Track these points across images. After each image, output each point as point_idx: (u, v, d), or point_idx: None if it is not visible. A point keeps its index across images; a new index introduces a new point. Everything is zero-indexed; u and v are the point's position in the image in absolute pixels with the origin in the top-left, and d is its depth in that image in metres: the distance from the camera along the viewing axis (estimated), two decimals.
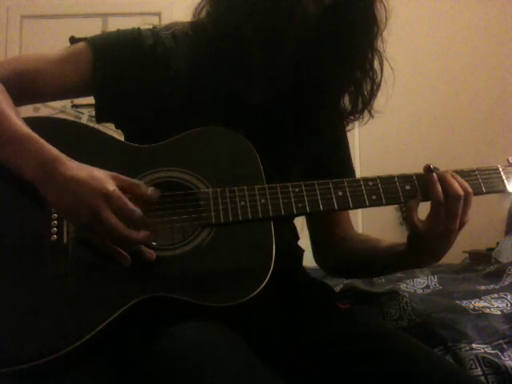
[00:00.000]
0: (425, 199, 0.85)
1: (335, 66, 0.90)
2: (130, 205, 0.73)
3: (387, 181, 0.85)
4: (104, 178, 0.74)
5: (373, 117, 0.99)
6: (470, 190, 0.83)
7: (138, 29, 0.93)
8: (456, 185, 0.83)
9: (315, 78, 0.92)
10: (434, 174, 0.84)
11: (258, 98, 0.91)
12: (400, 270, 1.14)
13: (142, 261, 0.75)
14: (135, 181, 0.78)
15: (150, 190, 0.77)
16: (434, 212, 0.83)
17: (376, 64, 0.94)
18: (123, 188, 0.74)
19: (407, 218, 0.86)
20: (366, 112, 0.97)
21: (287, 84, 0.90)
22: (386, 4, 0.91)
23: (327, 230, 1.07)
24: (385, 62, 0.94)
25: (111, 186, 0.73)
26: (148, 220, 0.75)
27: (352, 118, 1.00)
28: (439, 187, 0.83)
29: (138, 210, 0.73)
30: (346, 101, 0.98)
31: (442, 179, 0.83)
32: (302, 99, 0.94)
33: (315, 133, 0.99)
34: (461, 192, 0.82)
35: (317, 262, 1.09)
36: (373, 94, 0.95)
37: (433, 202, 0.83)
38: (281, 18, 0.84)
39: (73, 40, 0.93)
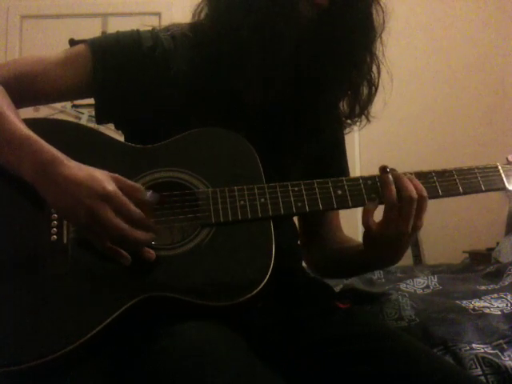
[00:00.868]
0: (380, 202, 0.83)
1: (335, 67, 0.90)
2: (130, 204, 0.73)
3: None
4: (103, 179, 0.74)
5: (369, 121, 0.99)
6: (425, 194, 0.82)
7: (137, 30, 0.93)
8: (410, 187, 0.81)
9: (315, 79, 0.92)
10: (389, 175, 0.83)
11: (258, 98, 0.91)
12: (365, 270, 1.11)
13: (142, 261, 0.75)
14: (135, 184, 0.78)
15: (149, 194, 0.76)
16: (386, 214, 0.82)
17: (374, 68, 0.94)
18: (122, 190, 0.74)
19: (362, 220, 0.84)
20: (363, 116, 0.98)
21: (286, 84, 0.90)
22: (384, 6, 0.92)
23: (314, 231, 1.07)
24: (383, 65, 0.94)
25: (110, 186, 0.73)
26: (149, 221, 0.75)
27: (350, 121, 1.00)
28: (393, 189, 0.82)
29: (138, 210, 0.73)
30: (345, 104, 0.98)
31: (397, 181, 0.82)
32: (302, 99, 0.94)
33: (315, 133, 0.99)
34: (414, 195, 0.81)
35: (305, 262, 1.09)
36: (370, 98, 0.95)
37: (386, 203, 0.82)
38: (277, 20, 0.84)
39: (72, 42, 0.93)
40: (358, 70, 0.93)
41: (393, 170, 0.84)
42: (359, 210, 0.86)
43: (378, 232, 0.83)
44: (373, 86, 0.95)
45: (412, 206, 0.81)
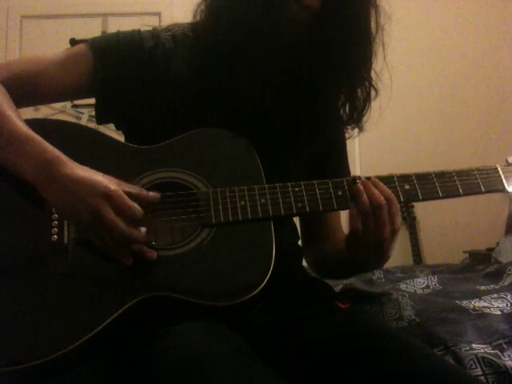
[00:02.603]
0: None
1: (330, 69, 0.90)
2: (131, 203, 0.73)
3: (386, 180, 0.85)
4: (105, 179, 0.74)
5: (362, 130, 0.98)
6: (392, 196, 0.81)
7: (138, 30, 0.94)
8: (377, 194, 0.81)
9: (311, 81, 0.92)
10: (360, 185, 0.82)
11: (255, 99, 0.91)
12: (359, 271, 1.10)
13: (143, 261, 0.75)
14: (135, 187, 0.78)
15: (151, 194, 0.77)
16: (363, 223, 0.82)
17: (372, 71, 0.94)
18: (123, 191, 0.75)
19: (349, 223, 0.84)
20: (363, 120, 0.98)
21: (284, 86, 0.90)
22: (380, 10, 0.92)
23: (315, 231, 1.07)
24: (383, 66, 0.94)
25: (112, 186, 0.73)
26: (150, 219, 0.75)
27: (349, 127, 1.00)
28: (365, 198, 0.81)
29: (138, 208, 0.74)
30: (343, 109, 0.98)
31: (366, 189, 0.82)
32: (301, 100, 0.94)
33: (314, 133, 0.99)
34: (382, 201, 0.80)
35: (307, 262, 1.09)
36: (368, 101, 0.95)
37: (361, 213, 0.82)
38: (268, 23, 0.84)
39: (73, 42, 0.93)
40: (354, 72, 0.93)
41: (367, 178, 0.84)
42: None
43: (360, 238, 0.83)
44: (371, 88, 0.95)
45: (383, 212, 0.80)
